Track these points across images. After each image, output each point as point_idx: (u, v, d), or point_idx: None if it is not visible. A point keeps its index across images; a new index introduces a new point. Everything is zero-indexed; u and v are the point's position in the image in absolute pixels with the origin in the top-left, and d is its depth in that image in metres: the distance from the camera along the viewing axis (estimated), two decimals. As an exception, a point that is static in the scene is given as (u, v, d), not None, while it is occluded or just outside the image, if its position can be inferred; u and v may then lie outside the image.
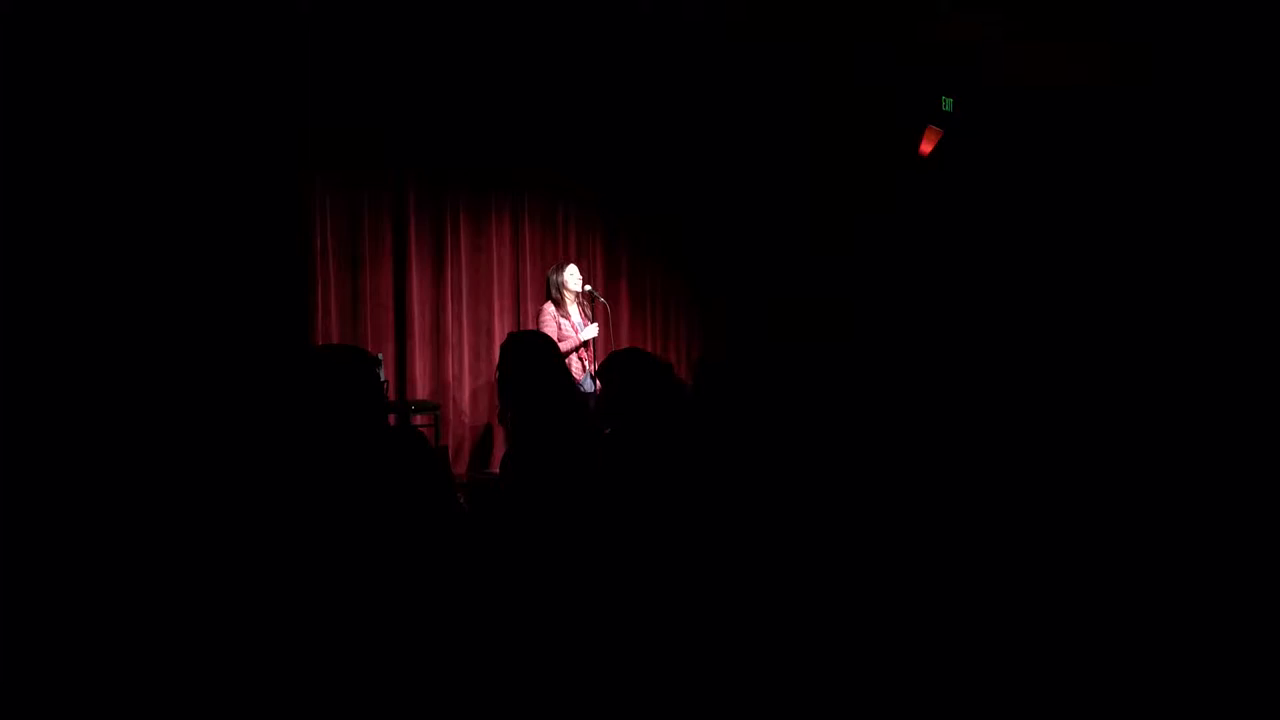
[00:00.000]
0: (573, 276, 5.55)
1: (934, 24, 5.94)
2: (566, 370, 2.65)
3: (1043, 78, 5.93)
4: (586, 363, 5.50)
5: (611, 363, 2.65)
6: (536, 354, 2.55)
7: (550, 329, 5.34)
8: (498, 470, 5.88)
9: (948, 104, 6.50)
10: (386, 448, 2.28)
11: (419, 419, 5.84)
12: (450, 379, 6.26)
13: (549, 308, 5.48)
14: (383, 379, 5.61)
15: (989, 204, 6.34)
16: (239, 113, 3.27)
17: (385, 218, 6.05)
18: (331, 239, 5.84)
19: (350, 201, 5.91)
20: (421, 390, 6.14)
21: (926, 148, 6.45)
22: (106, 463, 2.67)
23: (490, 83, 6.07)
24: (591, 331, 5.52)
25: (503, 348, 2.60)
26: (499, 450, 6.27)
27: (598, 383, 2.88)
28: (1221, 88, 5.15)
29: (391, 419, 5.57)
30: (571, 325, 5.47)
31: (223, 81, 3.21)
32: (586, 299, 5.63)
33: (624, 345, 6.40)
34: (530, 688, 2.13)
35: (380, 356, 5.75)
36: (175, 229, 3.08)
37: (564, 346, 5.25)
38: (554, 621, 2.20)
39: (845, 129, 6.77)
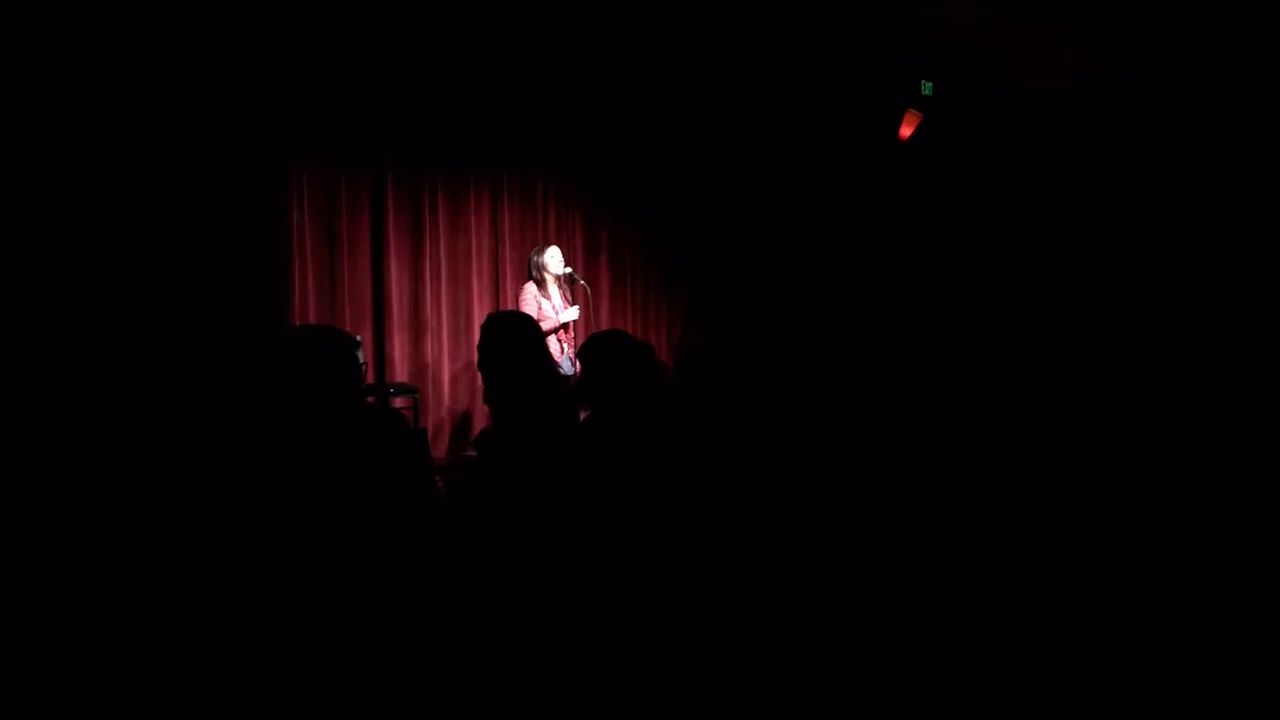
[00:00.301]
0: (554, 259, 5.54)
1: (933, 20, 5.91)
2: (547, 351, 2.65)
3: (1041, 68, 5.91)
4: (565, 345, 5.50)
5: (592, 343, 2.64)
6: (517, 334, 2.54)
7: (530, 309, 5.33)
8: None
9: (927, 88, 6.51)
10: (365, 428, 2.28)
11: (398, 402, 5.82)
12: (429, 361, 6.23)
13: (530, 287, 5.47)
14: (361, 361, 5.58)
15: (988, 202, 6.35)
16: (217, 97, 3.26)
17: (363, 197, 6.00)
18: (309, 219, 5.78)
19: (328, 181, 5.85)
20: (400, 373, 6.12)
21: (906, 131, 6.48)
22: (81, 442, 2.65)
23: (476, 69, 6.01)
24: (572, 314, 5.52)
25: (483, 327, 2.59)
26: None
27: (577, 364, 2.87)
28: (1223, 76, 5.13)
29: (370, 401, 5.55)
30: (552, 306, 5.46)
31: (197, 68, 3.20)
32: (567, 281, 5.62)
33: (604, 326, 6.42)
34: (506, 669, 2.14)
35: (359, 339, 5.72)
36: (154, 210, 3.06)
37: (544, 327, 5.24)
38: (529, 604, 2.21)
39: (843, 126, 6.77)
